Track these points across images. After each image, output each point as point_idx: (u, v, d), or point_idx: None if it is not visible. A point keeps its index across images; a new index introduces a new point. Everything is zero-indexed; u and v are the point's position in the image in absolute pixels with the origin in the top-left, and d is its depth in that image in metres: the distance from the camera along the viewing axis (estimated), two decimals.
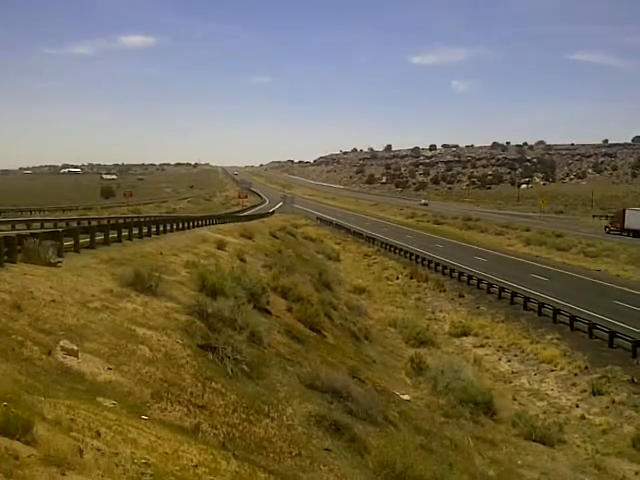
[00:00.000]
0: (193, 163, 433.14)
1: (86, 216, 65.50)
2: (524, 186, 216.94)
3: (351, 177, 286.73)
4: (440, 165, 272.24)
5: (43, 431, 6.30)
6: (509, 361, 30.70)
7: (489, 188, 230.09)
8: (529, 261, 61.40)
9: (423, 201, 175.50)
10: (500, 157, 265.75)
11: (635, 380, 25.57)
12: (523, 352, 31.47)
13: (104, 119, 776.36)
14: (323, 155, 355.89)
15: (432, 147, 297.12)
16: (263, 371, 14.99)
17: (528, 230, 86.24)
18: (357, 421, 14.44)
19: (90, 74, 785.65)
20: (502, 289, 43.03)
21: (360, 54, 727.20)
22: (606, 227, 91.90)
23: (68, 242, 23.52)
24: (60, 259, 19.72)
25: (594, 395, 25.01)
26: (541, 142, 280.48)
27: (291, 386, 14.99)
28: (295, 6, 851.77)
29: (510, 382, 27.83)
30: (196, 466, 7.41)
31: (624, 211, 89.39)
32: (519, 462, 17.63)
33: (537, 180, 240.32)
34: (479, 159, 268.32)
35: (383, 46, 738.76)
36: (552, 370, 28.68)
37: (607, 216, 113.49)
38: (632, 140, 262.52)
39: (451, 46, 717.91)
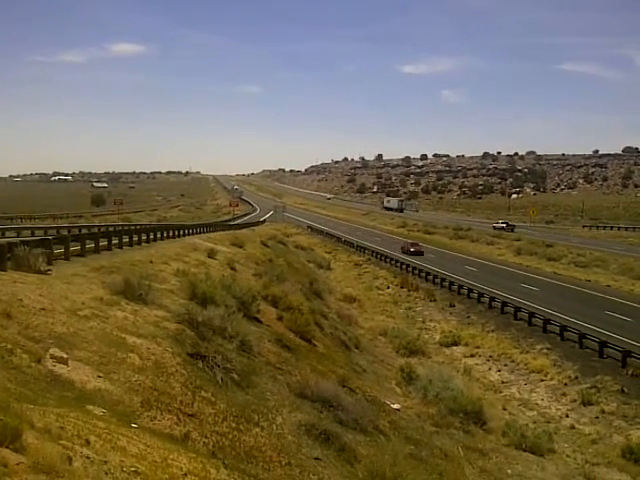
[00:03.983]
0: (184, 172, 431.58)
1: (77, 224, 65.21)
2: (515, 196, 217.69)
3: (342, 186, 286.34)
4: (431, 175, 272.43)
5: (32, 439, 6.27)
6: (499, 371, 30.79)
7: (480, 198, 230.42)
8: (520, 271, 61.61)
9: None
10: (491, 167, 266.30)
11: (625, 390, 25.69)
12: (513, 362, 31.58)
13: (95, 127, 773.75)
14: (314, 164, 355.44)
15: (423, 157, 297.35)
16: (253, 380, 14.96)
17: (519, 240, 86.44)
18: (347, 430, 14.43)
19: (81, 82, 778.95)
20: (492, 299, 43.15)
21: (350, 63, 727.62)
22: (380, 206, 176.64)
23: (58, 250, 23.50)
24: (50, 267, 19.66)
25: (584, 405, 25.12)
26: (532, 152, 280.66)
27: (281, 395, 14.97)
28: (285, 16, 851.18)
29: (500, 392, 27.91)
30: (185, 475, 7.39)
31: (384, 199, 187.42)
32: (509, 471, 17.63)
33: (528, 190, 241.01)
34: (470, 169, 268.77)
35: (374, 55, 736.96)
36: (542, 380, 28.78)
37: (597, 226, 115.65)
38: (622, 151, 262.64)
39: (442, 56, 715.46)
